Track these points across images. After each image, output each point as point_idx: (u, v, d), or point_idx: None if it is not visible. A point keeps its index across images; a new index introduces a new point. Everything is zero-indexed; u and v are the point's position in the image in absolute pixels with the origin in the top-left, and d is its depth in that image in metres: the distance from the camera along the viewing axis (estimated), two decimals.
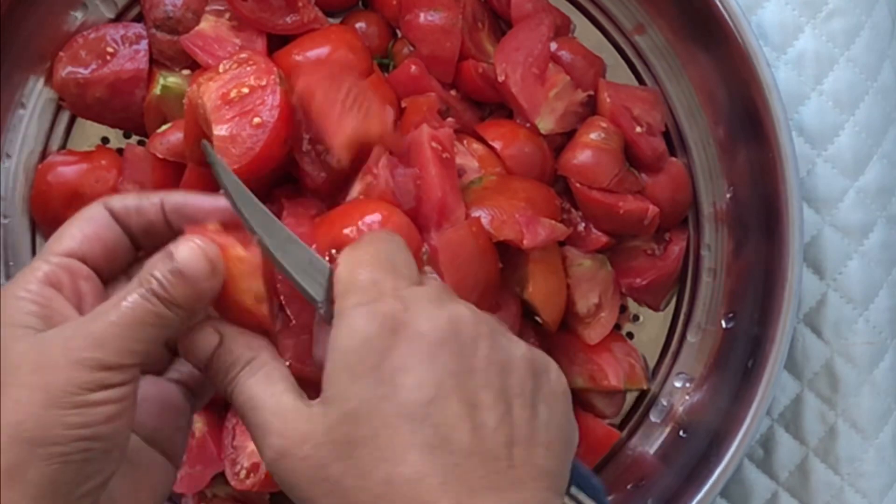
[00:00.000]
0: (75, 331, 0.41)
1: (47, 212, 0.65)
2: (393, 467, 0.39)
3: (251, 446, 0.62)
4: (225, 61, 0.57)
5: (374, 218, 0.55)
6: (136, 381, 0.41)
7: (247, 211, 0.44)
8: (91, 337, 0.40)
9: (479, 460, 0.40)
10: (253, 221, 0.44)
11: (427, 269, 0.48)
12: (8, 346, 0.41)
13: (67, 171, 0.65)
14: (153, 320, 0.41)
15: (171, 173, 0.62)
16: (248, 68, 0.56)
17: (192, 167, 0.62)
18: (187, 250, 0.42)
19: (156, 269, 0.42)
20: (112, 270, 0.46)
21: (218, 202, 0.46)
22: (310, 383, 0.63)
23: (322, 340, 0.44)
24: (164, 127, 0.64)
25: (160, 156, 0.62)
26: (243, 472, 0.62)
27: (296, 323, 0.58)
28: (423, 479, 0.39)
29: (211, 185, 0.62)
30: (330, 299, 0.43)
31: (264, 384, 0.42)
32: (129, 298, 0.41)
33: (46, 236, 0.67)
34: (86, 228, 0.45)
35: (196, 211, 0.46)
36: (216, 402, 0.64)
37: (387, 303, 0.41)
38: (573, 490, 0.47)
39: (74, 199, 0.64)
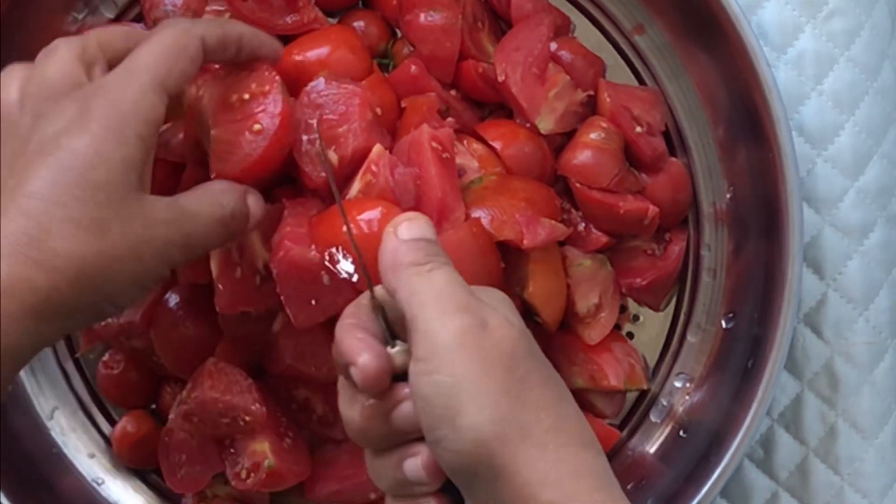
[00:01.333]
0: (135, 66, 0.50)
1: None
2: (560, 393, 0.48)
3: (252, 446, 0.62)
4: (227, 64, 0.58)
5: (373, 215, 0.55)
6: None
7: None
8: (152, 72, 0.50)
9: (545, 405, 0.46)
10: None
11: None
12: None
13: None
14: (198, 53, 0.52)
15: (171, 173, 0.62)
16: (250, 73, 0.56)
17: (191, 167, 0.62)
18: None
19: None
20: None
21: (275, 45, 0.57)
22: (309, 382, 0.63)
23: None
24: (163, 127, 0.64)
25: (160, 156, 0.62)
26: (244, 472, 0.62)
27: (296, 324, 0.58)
28: (580, 416, 0.48)
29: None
30: None
31: (464, 283, 0.48)
32: (178, 33, 0.52)
33: None
34: (189, 69, 0.51)
35: (266, 54, 0.56)
36: None
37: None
38: None
39: None
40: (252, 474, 0.62)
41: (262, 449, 0.62)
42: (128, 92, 0.48)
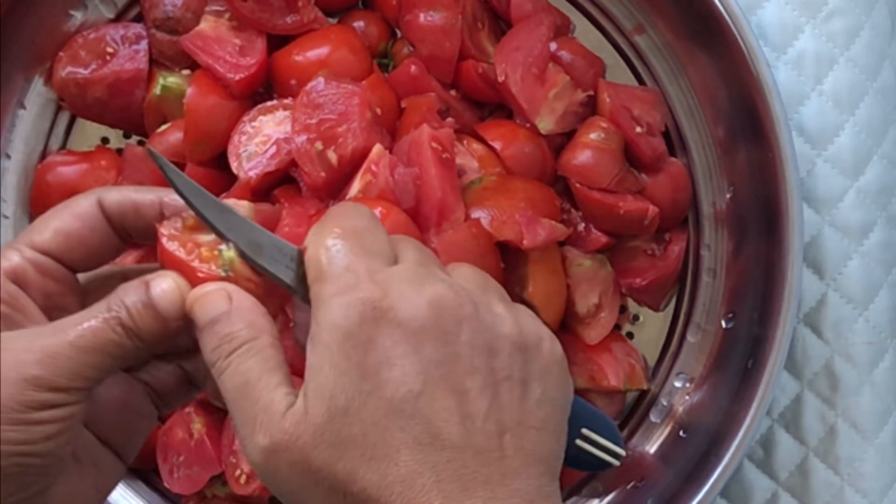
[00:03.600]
0: (30, 343, 0.39)
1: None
2: (386, 467, 0.38)
3: None
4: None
5: None
6: (84, 402, 0.40)
7: (204, 208, 0.43)
8: (44, 353, 0.39)
9: (470, 454, 0.39)
10: (211, 217, 0.43)
11: (399, 238, 0.45)
12: None
13: (67, 171, 0.65)
14: (112, 349, 0.40)
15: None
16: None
17: (191, 167, 0.62)
18: (165, 285, 0.41)
19: (128, 296, 0.40)
20: (91, 267, 0.44)
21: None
22: None
23: (302, 322, 0.42)
24: (163, 127, 0.64)
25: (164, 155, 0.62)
26: (244, 478, 0.62)
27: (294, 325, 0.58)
28: (416, 479, 0.38)
29: (210, 185, 0.62)
30: (304, 283, 0.42)
31: (260, 371, 0.40)
32: (93, 321, 0.40)
33: None
34: (70, 224, 0.43)
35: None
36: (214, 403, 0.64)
37: (364, 290, 0.39)
38: (584, 431, 0.46)
39: None
40: (252, 479, 0.62)
41: None
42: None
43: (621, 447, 0.47)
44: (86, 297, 0.44)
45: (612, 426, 0.47)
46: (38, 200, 0.65)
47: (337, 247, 0.41)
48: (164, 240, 0.42)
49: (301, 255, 0.42)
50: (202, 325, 0.41)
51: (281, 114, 0.61)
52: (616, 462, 0.47)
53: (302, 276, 0.42)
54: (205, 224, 0.43)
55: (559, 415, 0.43)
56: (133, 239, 0.45)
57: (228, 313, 0.41)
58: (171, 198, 0.44)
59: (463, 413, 0.39)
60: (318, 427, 0.38)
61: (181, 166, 0.62)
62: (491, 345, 0.41)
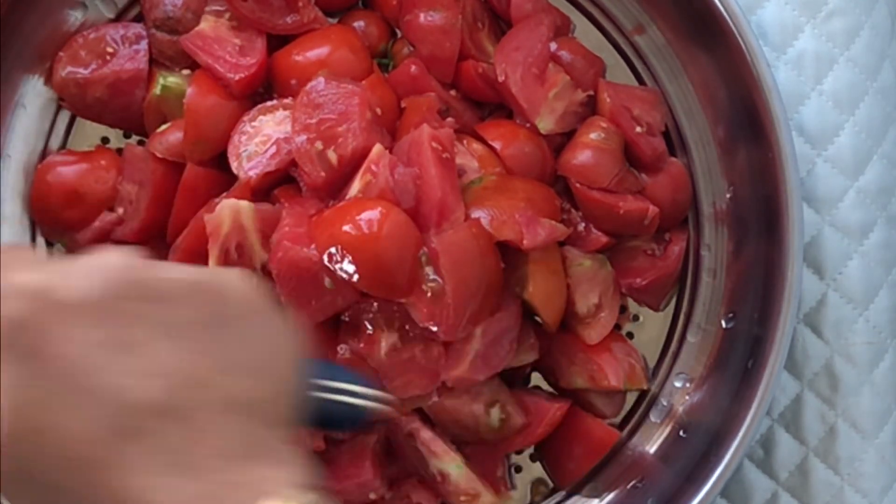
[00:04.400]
0: None
1: (47, 212, 0.65)
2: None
3: None
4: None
5: (372, 215, 0.55)
6: None
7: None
8: None
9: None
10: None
11: None
12: None
13: (67, 171, 0.65)
14: None
15: (171, 173, 0.62)
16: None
17: (191, 167, 0.62)
18: None
19: None
20: None
21: None
22: None
23: None
24: (163, 127, 0.64)
25: (160, 155, 0.62)
26: None
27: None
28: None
29: (210, 185, 0.62)
30: None
31: None
32: None
33: (46, 236, 0.67)
34: None
35: None
36: None
37: (24, 278, 0.38)
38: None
39: (73, 199, 0.64)
40: None
41: None
42: None
43: (376, 389, 0.45)
44: None
45: (359, 378, 0.45)
46: (38, 200, 0.65)
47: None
48: None
49: None
50: None
51: (281, 114, 0.61)
52: (372, 403, 0.45)
53: None
54: None
55: (270, 352, 0.41)
56: None
57: None
58: None
59: (126, 365, 0.38)
60: None
61: (181, 166, 0.62)
62: (157, 295, 0.39)
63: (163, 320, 0.38)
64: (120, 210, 0.64)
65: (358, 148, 0.58)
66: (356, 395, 0.45)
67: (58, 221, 0.65)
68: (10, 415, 0.36)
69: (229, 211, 0.58)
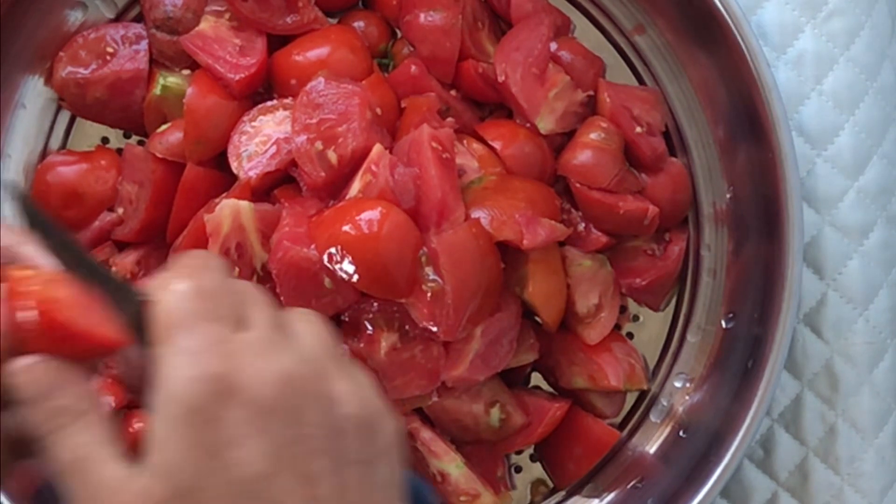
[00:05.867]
0: None
1: (46, 212, 0.65)
2: None
3: None
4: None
5: (372, 215, 0.55)
6: None
7: (58, 249, 0.41)
8: None
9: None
10: (64, 259, 0.41)
11: (247, 295, 0.43)
12: None
13: (67, 171, 0.65)
14: None
15: (171, 173, 0.62)
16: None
17: (191, 167, 0.62)
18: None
19: None
20: None
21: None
22: None
23: (134, 366, 0.41)
24: (163, 127, 0.64)
25: (159, 155, 0.62)
26: None
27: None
28: None
29: (210, 185, 0.62)
30: (147, 339, 0.39)
31: (97, 445, 0.38)
32: None
33: None
34: None
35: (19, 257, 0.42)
36: None
37: (211, 364, 0.38)
38: None
39: (73, 199, 0.64)
40: None
41: None
42: None
43: None
44: None
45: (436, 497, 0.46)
46: (38, 200, 0.65)
47: (185, 309, 0.39)
48: None
49: (142, 307, 0.40)
50: (27, 398, 0.39)
51: (281, 114, 0.61)
52: None
53: (145, 331, 0.40)
54: (62, 267, 0.41)
55: (397, 493, 0.42)
56: None
57: (59, 387, 0.39)
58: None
59: (308, 496, 0.38)
60: (161, 502, 0.37)
61: (181, 166, 0.62)
62: (337, 425, 0.40)
63: (336, 450, 0.40)
64: (120, 210, 0.64)
65: (358, 148, 0.58)
66: None
67: (58, 221, 0.65)
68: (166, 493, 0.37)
69: (229, 211, 0.58)
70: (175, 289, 0.40)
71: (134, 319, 0.40)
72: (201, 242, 0.58)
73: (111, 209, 0.64)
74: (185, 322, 0.39)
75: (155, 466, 0.38)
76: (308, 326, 0.42)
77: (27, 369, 0.39)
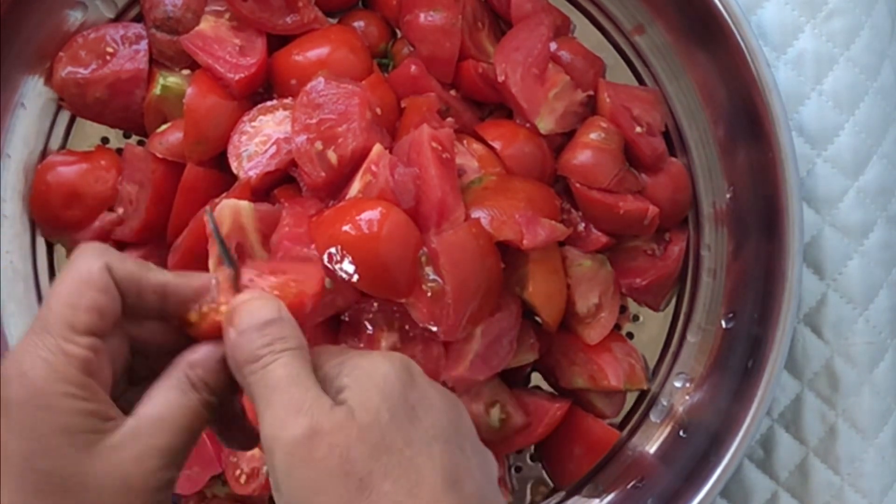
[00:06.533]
0: (145, 446, 0.43)
1: (46, 212, 0.65)
2: (413, 486, 0.41)
3: (250, 451, 0.61)
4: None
5: (372, 215, 0.55)
6: None
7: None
8: (161, 453, 0.43)
9: None
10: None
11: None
12: (80, 462, 0.41)
13: (67, 170, 0.65)
14: (203, 417, 0.44)
15: (171, 173, 0.62)
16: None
17: (191, 167, 0.62)
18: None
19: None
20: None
21: (202, 281, 0.47)
22: None
23: None
24: (163, 127, 0.64)
25: (160, 155, 0.62)
26: (244, 478, 0.62)
27: None
28: (442, 502, 0.41)
29: (210, 185, 0.62)
30: None
31: (306, 372, 0.43)
32: (183, 402, 0.44)
33: (46, 236, 0.67)
34: (99, 301, 0.43)
35: (188, 293, 0.46)
36: None
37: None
38: None
39: (73, 199, 0.64)
40: (252, 479, 0.62)
41: (261, 454, 0.61)
42: (36, 353, 0.42)
43: None
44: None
45: None
46: (38, 200, 0.65)
47: None
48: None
49: None
50: (250, 325, 0.44)
51: (281, 114, 0.61)
52: None
53: None
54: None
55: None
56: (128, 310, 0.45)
57: (282, 319, 0.44)
58: (175, 283, 0.46)
59: (473, 479, 0.43)
60: (365, 426, 0.41)
61: (181, 166, 0.62)
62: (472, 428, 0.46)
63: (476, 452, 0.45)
64: (120, 210, 0.64)
65: (358, 148, 0.58)
66: None
67: (58, 221, 0.65)
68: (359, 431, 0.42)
69: (229, 211, 0.58)
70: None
71: None
72: (201, 242, 0.58)
73: (111, 209, 0.64)
74: None
75: (358, 403, 0.42)
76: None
77: (263, 296, 0.45)
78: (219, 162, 0.62)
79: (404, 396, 0.43)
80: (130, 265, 0.45)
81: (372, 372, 0.43)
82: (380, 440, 0.41)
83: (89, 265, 0.44)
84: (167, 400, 0.44)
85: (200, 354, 0.45)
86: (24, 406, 0.41)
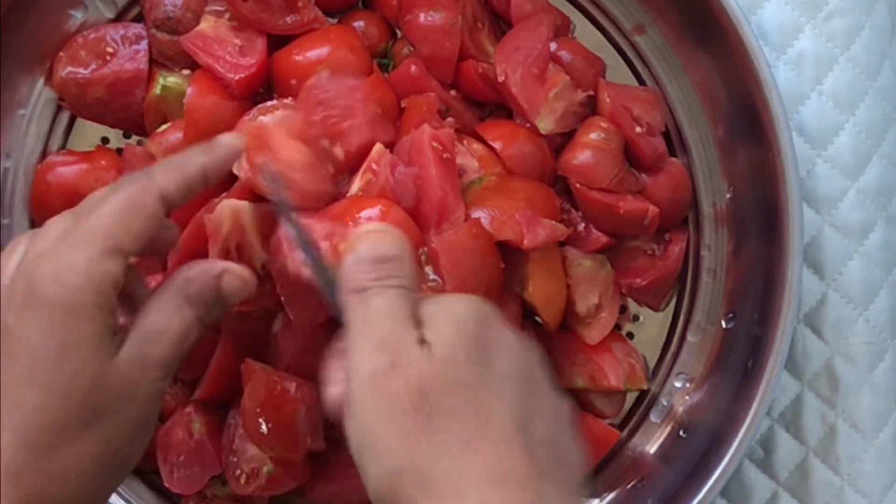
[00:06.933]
0: (148, 357, 0.46)
1: (46, 212, 0.65)
2: (482, 425, 0.42)
3: (251, 451, 0.61)
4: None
5: (372, 213, 0.55)
6: None
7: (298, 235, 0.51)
8: (160, 364, 0.46)
9: (543, 453, 0.43)
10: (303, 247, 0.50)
11: (428, 269, 0.50)
12: (102, 369, 0.44)
13: (67, 171, 0.65)
14: (196, 332, 0.49)
15: None
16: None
17: None
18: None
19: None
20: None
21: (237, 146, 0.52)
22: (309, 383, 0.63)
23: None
24: (163, 127, 0.64)
25: (159, 156, 0.62)
26: (244, 478, 0.62)
27: (296, 324, 0.58)
28: (503, 447, 0.42)
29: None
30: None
31: (409, 310, 0.45)
32: (179, 316, 0.47)
33: None
34: (148, 227, 0.46)
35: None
36: (215, 404, 0.64)
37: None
38: None
39: (73, 199, 0.64)
40: (251, 480, 0.62)
41: (261, 456, 0.61)
42: (76, 261, 0.44)
43: None
44: None
45: None
46: (38, 200, 0.65)
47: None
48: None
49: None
50: (368, 256, 0.46)
51: (281, 113, 0.61)
52: None
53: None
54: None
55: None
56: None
57: (401, 258, 0.47)
58: (212, 161, 0.50)
59: (545, 424, 0.44)
60: (440, 363, 0.43)
61: None
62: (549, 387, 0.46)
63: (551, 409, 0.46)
64: None
65: (363, 143, 0.59)
66: None
67: None
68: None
69: (229, 211, 0.58)
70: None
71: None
72: (201, 242, 0.58)
73: None
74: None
75: (436, 343, 0.43)
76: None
77: (390, 231, 0.48)
78: None
79: (480, 336, 0.44)
80: (175, 176, 0.48)
81: (451, 310, 0.45)
82: (453, 378, 0.43)
83: (147, 189, 0.47)
84: (167, 313, 0.47)
85: (196, 271, 0.48)
86: (58, 308, 0.44)
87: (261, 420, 0.60)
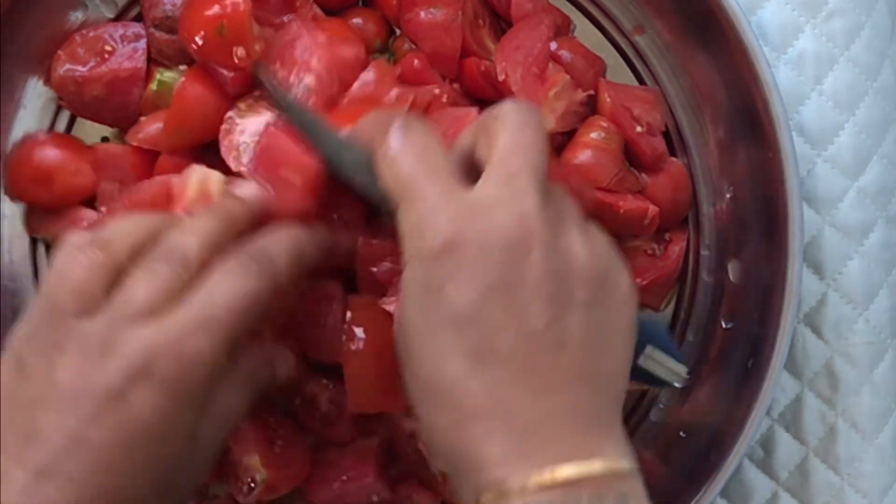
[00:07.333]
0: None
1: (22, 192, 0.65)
2: (435, 372, 0.41)
3: (244, 461, 0.61)
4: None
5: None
6: None
7: (304, 127, 0.51)
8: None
9: (521, 363, 0.41)
10: (310, 134, 0.50)
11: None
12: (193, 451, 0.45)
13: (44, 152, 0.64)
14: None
15: (145, 161, 0.62)
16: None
17: (164, 157, 0.61)
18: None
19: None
20: None
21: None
22: (318, 379, 0.63)
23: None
24: (143, 118, 0.63)
25: (136, 143, 0.62)
26: (245, 489, 0.61)
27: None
28: (463, 383, 0.41)
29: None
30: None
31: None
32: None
33: (31, 233, 0.66)
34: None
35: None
36: None
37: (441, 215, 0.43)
38: (648, 350, 0.49)
39: (46, 180, 0.64)
40: (252, 490, 0.61)
41: (254, 463, 0.61)
42: (201, 349, 0.43)
43: (685, 366, 0.50)
44: None
45: (676, 349, 0.49)
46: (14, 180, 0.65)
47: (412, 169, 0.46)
48: None
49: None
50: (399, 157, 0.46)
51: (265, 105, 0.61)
52: (678, 383, 0.49)
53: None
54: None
55: (623, 346, 0.44)
56: None
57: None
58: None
59: (520, 328, 0.41)
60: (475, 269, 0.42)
61: (155, 154, 0.62)
62: (561, 272, 0.42)
63: (556, 295, 0.42)
64: (103, 209, 0.64)
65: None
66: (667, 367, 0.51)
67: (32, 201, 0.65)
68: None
69: (197, 177, 0.57)
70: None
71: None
72: (159, 206, 0.57)
73: (94, 208, 0.64)
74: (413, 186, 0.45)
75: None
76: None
77: (415, 118, 0.48)
78: (195, 155, 0.62)
79: (428, 283, 0.43)
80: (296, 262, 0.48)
81: (406, 276, 0.44)
82: (401, 346, 0.43)
83: (271, 287, 0.46)
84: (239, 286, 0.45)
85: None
86: (176, 394, 0.42)
87: None
